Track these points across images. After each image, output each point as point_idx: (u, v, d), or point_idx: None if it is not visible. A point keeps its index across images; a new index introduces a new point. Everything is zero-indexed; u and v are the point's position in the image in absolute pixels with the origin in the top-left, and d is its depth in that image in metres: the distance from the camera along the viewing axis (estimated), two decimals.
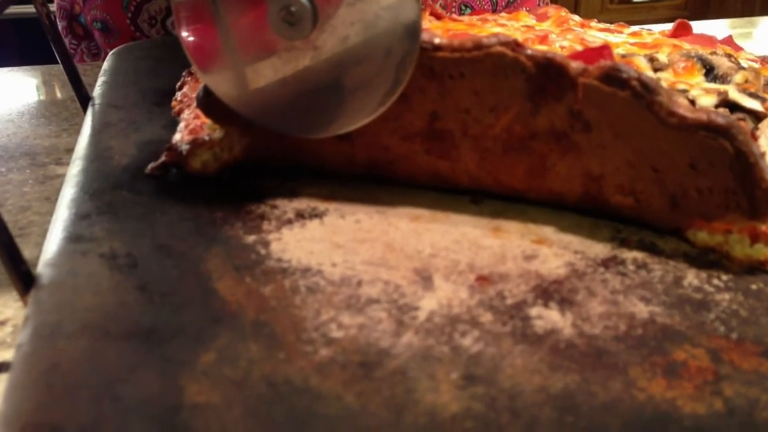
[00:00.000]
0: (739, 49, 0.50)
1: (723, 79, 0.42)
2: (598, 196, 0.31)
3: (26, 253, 0.30)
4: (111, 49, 0.73)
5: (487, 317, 0.25)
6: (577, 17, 0.54)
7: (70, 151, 0.51)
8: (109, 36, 0.74)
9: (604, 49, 0.33)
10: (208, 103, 0.33)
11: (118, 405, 0.20)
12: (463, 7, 0.80)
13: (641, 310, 0.26)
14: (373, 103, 0.30)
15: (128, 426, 0.19)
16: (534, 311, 0.25)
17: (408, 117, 0.31)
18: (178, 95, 0.44)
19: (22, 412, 0.20)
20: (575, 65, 0.28)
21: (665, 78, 0.42)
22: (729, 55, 0.44)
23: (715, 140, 0.26)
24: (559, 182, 0.31)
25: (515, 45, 0.29)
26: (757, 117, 0.36)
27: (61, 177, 0.47)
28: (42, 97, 0.64)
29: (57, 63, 0.49)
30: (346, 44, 0.30)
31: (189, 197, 0.33)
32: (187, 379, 0.21)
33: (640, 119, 0.27)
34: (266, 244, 0.29)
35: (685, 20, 0.53)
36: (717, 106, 0.37)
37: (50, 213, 0.42)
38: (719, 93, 0.38)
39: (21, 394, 0.20)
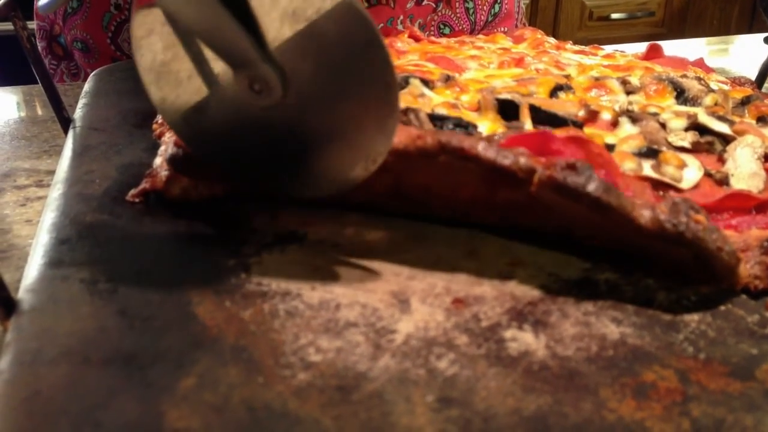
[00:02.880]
0: (710, 71, 0.52)
1: (693, 101, 0.43)
2: (569, 235, 0.31)
3: (7, 276, 0.30)
4: (91, 70, 0.74)
5: (462, 340, 0.25)
6: (552, 39, 0.55)
7: (50, 173, 0.51)
8: (89, 56, 0.75)
9: (545, 136, 0.32)
10: (184, 163, 0.33)
11: (98, 430, 0.20)
12: (441, 26, 0.81)
13: (612, 331, 0.26)
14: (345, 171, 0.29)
15: None
16: (508, 333, 0.26)
17: (371, 181, 0.30)
18: (159, 118, 0.44)
19: None
20: (525, 166, 0.28)
21: (637, 101, 0.43)
22: (699, 78, 0.45)
23: (676, 245, 0.27)
24: (531, 223, 0.32)
25: (462, 151, 0.28)
26: (725, 140, 0.37)
27: (42, 199, 0.47)
28: (22, 117, 0.64)
29: (36, 83, 0.49)
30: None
31: (169, 221, 0.33)
32: (167, 404, 0.21)
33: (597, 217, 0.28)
34: (247, 267, 0.30)
35: (657, 43, 0.54)
36: (687, 129, 0.38)
37: (31, 236, 0.42)
38: (689, 116, 0.39)
39: (1, 422, 0.21)
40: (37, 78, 0.48)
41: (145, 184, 0.35)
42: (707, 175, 0.34)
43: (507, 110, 0.39)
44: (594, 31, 2.31)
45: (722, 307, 0.28)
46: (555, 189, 0.27)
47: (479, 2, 0.84)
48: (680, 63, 0.52)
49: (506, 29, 0.87)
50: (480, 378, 0.23)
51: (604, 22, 2.34)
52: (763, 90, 0.58)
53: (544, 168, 0.28)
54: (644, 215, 0.27)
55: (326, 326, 0.26)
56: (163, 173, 0.35)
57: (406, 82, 0.41)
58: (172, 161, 0.33)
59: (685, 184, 0.33)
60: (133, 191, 0.35)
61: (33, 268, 0.29)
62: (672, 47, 0.85)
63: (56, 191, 0.36)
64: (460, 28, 0.82)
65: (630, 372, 0.24)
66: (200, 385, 0.22)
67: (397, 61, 0.49)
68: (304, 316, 0.26)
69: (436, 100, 0.40)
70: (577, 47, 0.55)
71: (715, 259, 0.27)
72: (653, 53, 0.53)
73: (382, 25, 0.74)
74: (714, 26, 2.38)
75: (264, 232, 0.32)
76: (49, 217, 0.33)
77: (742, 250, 0.30)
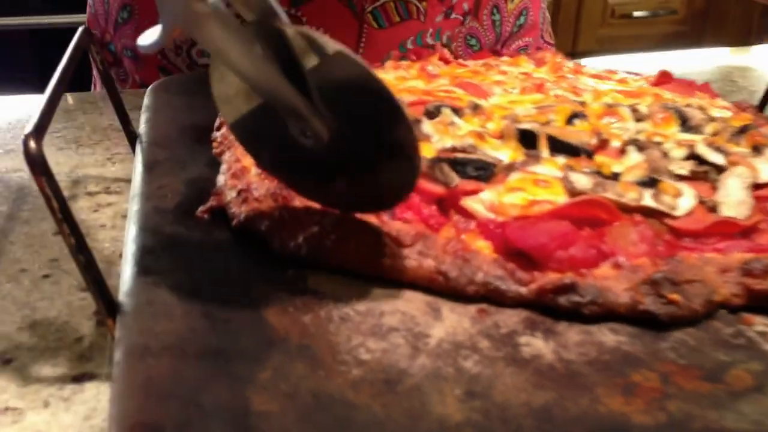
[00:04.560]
0: (714, 95, 0.57)
1: (696, 129, 0.48)
2: None
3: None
4: (139, 76, 0.80)
5: (484, 344, 0.31)
6: (570, 63, 0.60)
7: (117, 180, 0.58)
8: (138, 64, 0.81)
9: (560, 232, 0.36)
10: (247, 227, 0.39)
11: (201, 410, 0.26)
12: (468, 38, 0.86)
13: (610, 339, 0.32)
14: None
15: (211, 426, 0.25)
16: (523, 339, 0.31)
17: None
18: (218, 136, 0.50)
19: (129, 414, 0.26)
20: (513, 293, 0.33)
21: (645, 128, 0.48)
22: (702, 108, 0.50)
23: None
24: None
25: (446, 277, 0.34)
26: (720, 169, 0.42)
27: (113, 205, 0.53)
28: (82, 122, 0.70)
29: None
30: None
31: (235, 236, 0.39)
32: (251, 392, 0.27)
33: None
34: (304, 278, 0.35)
35: (667, 70, 0.59)
36: (686, 158, 0.43)
37: (106, 240, 0.48)
38: (689, 146, 0.44)
39: (126, 402, 0.26)
40: (110, 98, 0.54)
41: (212, 202, 0.41)
42: (700, 202, 0.39)
43: (527, 139, 0.44)
44: (616, 28, 2.35)
45: (704, 321, 0.33)
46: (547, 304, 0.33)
47: (505, 15, 0.89)
48: (687, 88, 0.57)
49: (531, 40, 0.93)
50: (498, 376, 0.29)
51: (626, 20, 2.37)
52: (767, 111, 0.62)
53: (537, 294, 0.33)
54: (624, 303, 0.32)
55: (373, 330, 0.31)
56: (230, 194, 0.40)
57: (438, 110, 0.46)
58: (237, 228, 0.38)
59: (679, 212, 0.38)
60: (201, 208, 0.41)
61: (126, 276, 0.35)
62: (694, 52, 0.89)
63: (135, 205, 0.42)
64: (486, 39, 0.87)
65: (621, 374, 0.29)
66: (275, 377, 0.28)
67: (428, 86, 0.54)
68: (354, 321, 0.32)
69: (465, 129, 0.45)
70: (593, 71, 0.60)
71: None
72: (663, 78, 0.58)
73: (412, 38, 0.79)
74: (736, 23, 2.40)
75: None
76: (132, 229, 0.39)
77: (724, 270, 0.35)
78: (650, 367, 0.30)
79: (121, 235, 0.48)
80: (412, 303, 0.34)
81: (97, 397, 0.34)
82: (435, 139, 0.43)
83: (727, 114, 0.52)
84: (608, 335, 0.32)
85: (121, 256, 0.46)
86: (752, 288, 0.34)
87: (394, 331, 0.31)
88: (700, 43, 2.26)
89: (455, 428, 0.26)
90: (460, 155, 0.41)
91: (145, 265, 0.36)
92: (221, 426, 0.25)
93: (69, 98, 0.76)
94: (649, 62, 0.96)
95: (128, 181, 0.54)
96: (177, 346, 0.30)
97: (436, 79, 0.55)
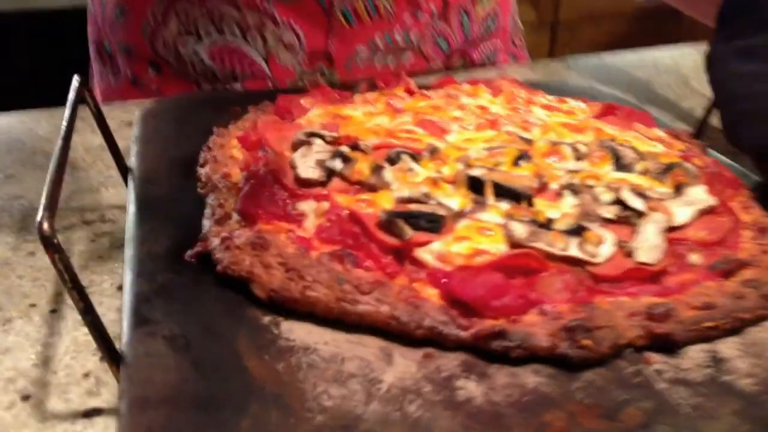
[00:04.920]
0: (652, 125, 0.63)
1: (628, 167, 0.54)
2: None
3: (98, 310, 0.42)
4: (131, 71, 0.85)
5: (427, 388, 0.37)
6: (524, 93, 0.66)
7: (111, 207, 0.63)
8: (130, 59, 0.87)
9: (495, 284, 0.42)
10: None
11: None
12: (438, 38, 0.91)
13: (531, 381, 0.38)
14: None
15: None
16: (459, 383, 0.38)
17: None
18: (202, 174, 0.56)
19: None
20: (453, 337, 0.40)
21: (583, 168, 0.54)
22: (633, 148, 0.56)
23: None
24: None
25: (398, 321, 0.40)
26: (640, 214, 0.48)
27: (108, 235, 0.59)
28: (74, 142, 0.75)
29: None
30: None
31: (219, 279, 0.45)
32: None
33: None
34: (277, 324, 0.42)
35: (612, 103, 0.65)
36: (613, 202, 0.50)
37: (104, 272, 0.54)
38: (618, 189, 0.50)
39: None
40: (103, 137, 0.59)
41: (198, 248, 0.47)
42: (620, 247, 0.46)
43: (476, 184, 0.50)
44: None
45: (612, 360, 0.40)
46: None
47: (474, 18, 0.94)
48: (627, 120, 0.63)
49: (500, 43, 0.98)
50: (436, 419, 0.35)
51: None
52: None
53: (474, 338, 0.39)
54: (544, 347, 0.39)
55: (335, 377, 0.38)
56: (215, 243, 0.46)
57: (398, 157, 0.52)
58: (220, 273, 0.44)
59: (599, 259, 0.44)
60: (190, 253, 0.47)
61: (126, 326, 0.41)
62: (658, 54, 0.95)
63: (129, 250, 0.48)
64: (455, 41, 0.92)
65: (536, 414, 0.36)
66: (255, 425, 0.34)
67: (393, 123, 0.60)
68: (320, 368, 0.38)
69: (422, 175, 0.51)
70: (545, 100, 0.66)
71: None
72: (607, 110, 0.64)
73: (381, 36, 0.84)
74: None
75: None
76: (128, 277, 0.45)
77: (632, 314, 0.41)
78: (560, 407, 0.37)
79: (117, 267, 0.54)
80: (368, 348, 0.40)
81: None
82: (394, 187, 0.49)
83: (659, 148, 0.58)
84: (531, 377, 0.39)
85: (119, 289, 0.52)
86: (653, 331, 0.41)
87: (353, 377, 0.38)
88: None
89: None
90: (414, 207, 0.47)
91: (141, 315, 0.42)
92: None
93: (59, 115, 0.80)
94: (618, 62, 1.01)
95: (121, 208, 0.60)
96: (172, 397, 0.36)
97: (401, 115, 0.60)
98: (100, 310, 0.48)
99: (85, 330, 0.47)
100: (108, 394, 0.43)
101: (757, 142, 0.58)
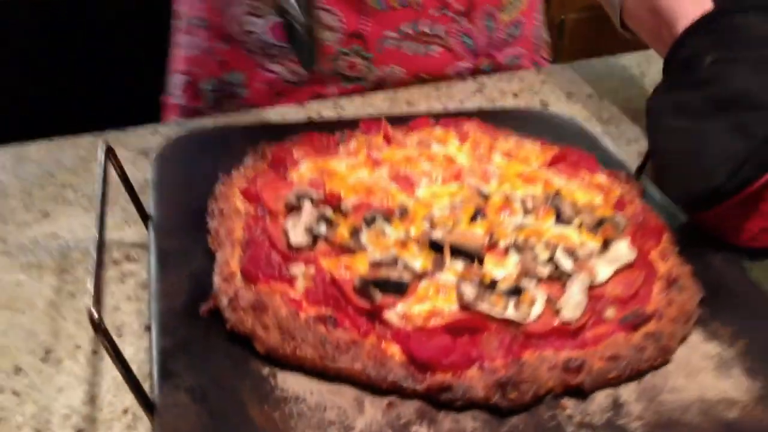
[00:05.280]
0: (596, 170, 0.73)
1: (567, 221, 0.65)
2: None
3: (127, 351, 0.54)
4: (209, 42, 0.99)
5: None
6: (487, 140, 0.76)
7: (135, 245, 0.74)
8: (208, 32, 1.02)
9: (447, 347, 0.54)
10: None
11: None
12: (464, 36, 1.02)
13: (470, 426, 0.50)
14: None
15: None
16: (414, 428, 0.49)
17: None
18: (211, 228, 0.66)
19: None
20: (411, 389, 0.51)
21: (529, 222, 0.64)
22: (573, 204, 0.66)
23: None
24: None
25: (368, 376, 0.51)
26: (569, 274, 0.59)
27: (134, 275, 0.70)
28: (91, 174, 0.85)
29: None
30: None
31: (228, 335, 0.56)
32: None
33: None
34: (274, 375, 0.53)
35: (563, 152, 0.74)
36: (549, 260, 0.60)
37: (134, 312, 0.65)
38: (553, 249, 0.61)
39: None
40: (127, 193, 0.70)
41: (210, 305, 0.58)
42: (549, 303, 0.57)
43: (436, 246, 0.61)
44: None
45: (535, 406, 0.51)
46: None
47: (499, 24, 1.05)
48: (575, 168, 0.73)
49: (524, 51, 1.09)
50: None
51: None
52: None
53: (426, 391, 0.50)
54: (481, 398, 0.50)
55: (318, 424, 0.49)
56: (224, 301, 0.57)
57: (373, 219, 0.63)
58: (229, 330, 0.56)
59: (531, 319, 0.55)
60: (203, 307, 0.58)
61: (155, 377, 0.53)
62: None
63: (154, 304, 0.59)
64: (481, 42, 1.03)
65: None
66: None
67: (372, 176, 0.70)
68: (307, 416, 0.50)
69: (393, 237, 0.62)
70: (506, 146, 0.76)
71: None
72: (557, 159, 0.74)
73: (408, 24, 0.98)
74: None
75: None
76: (155, 331, 0.57)
77: (552, 367, 0.53)
78: None
79: (143, 308, 0.66)
80: (344, 398, 0.52)
81: None
82: (369, 250, 0.60)
83: (598, 200, 0.69)
84: (470, 422, 0.50)
85: (147, 329, 0.63)
86: (568, 383, 0.52)
87: (332, 424, 0.49)
88: None
89: None
90: (384, 272, 0.58)
91: (167, 369, 0.53)
92: None
93: (82, 143, 0.91)
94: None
95: (143, 247, 0.71)
96: None
97: (379, 167, 0.71)
98: (131, 350, 0.60)
99: None
100: (143, 428, 0.54)
101: (679, 196, 0.68)
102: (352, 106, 1.00)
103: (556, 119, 0.89)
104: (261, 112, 0.97)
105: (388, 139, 0.76)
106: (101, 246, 0.55)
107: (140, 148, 0.90)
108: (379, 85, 1.01)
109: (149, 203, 0.72)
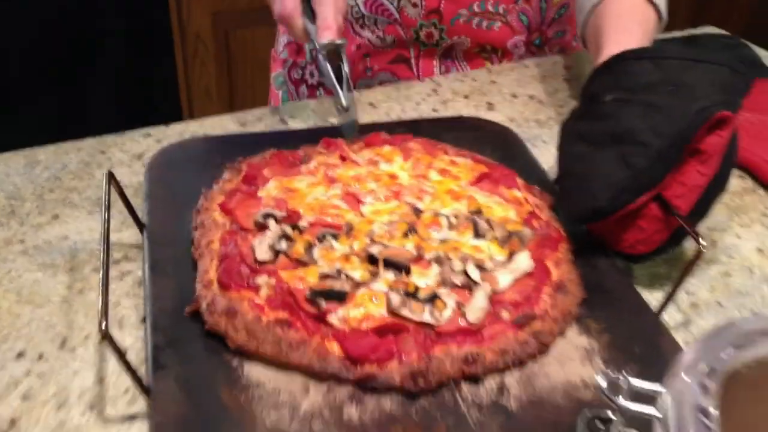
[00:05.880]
0: (513, 186, 0.88)
1: (483, 236, 0.80)
2: None
3: (126, 341, 0.70)
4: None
5: (326, 412, 0.65)
6: (427, 158, 0.90)
7: (132, 246, 0.89)
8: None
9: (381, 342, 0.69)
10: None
11: None
12: (521, 15, 1.25)
13: (388, 405, 0.66)
14: None
15: None
16: (346, 408, 0.66)
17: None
18: (194, 239, 0.82)
19: None
20: (345, 379, 0.66)
21: (451, 237, 0.80)
22: (488, 221, 0.81)
23: None
24: None
25: (313, 368, 0.67)
26: (476, 283, 0.75)
27: (131, 274, 0.85)
28: (93, 180, 1.00)
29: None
30: None
31: (206, 333, 0.72)
32: None
33: None
34: (242, 366, 0.69)
35: (488, 169, 0.89)
36: (462, 272, 0.76)
37: (132, 308, 0.81)
38: (466, 262, 0.76)
39: None
40: (127, 210, 0.85)
41: (192, 307, 0.74)
42: (459, 307, 0.72)
43: (372, 259, 0.76)
44: None
45: (439, 390, 0.67)
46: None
47: (550, 4, 1.25)
48: (495, 185, 0.88)
49: (569, 28, 1.28)
50: None
51: None
52: None
53: (357, 379, 0.66)
54: (397, 385, 0.66)
55: (274, 405, 0.66)
56: (204, 304, 0.73)
57: (324, 237, 0.78)
58: (208, 330, 0.71)
59: (442, 321, 0.71)
60: (187, 310, 0.74)
61: (150, 368, 0.69)
62: None
63: (149, 306, 0.75)
64: (534, 19, 1.25)
65: (386, 427, 0.64)
66: None
67: (327, 193, 0.85)
68: (265, 398, 0.66)
69: (340, 251, 0.77)
70: (443, 163, 0.91)
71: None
72: (481, 177, 0.89)
73: (478, 2, 1.22)
74: None
75: None
76: (149, 328, 0.72)
77: (455, 360, 0.69)
78: (401, 423, 0.65)
79: (139, 303, 0.81)
80: (295, 383, 0.68)
81: (141, 430, 0.68)
82: (320, 264, 0.75)
83: (512, 214, 0.84)
84: (388, 403, 0.66)
85: (142, 321, 0.79)
86: (465, 372, 0.68)
87: (284, 405, 0.66)
88: None
89: None
90: (329, 283, 0.73)
91: (158, 361, 0.69)
92: None
93: (85, 148, 1.05)
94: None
95: (139, 247, 0.86)
96: (181, 421, 0.64)
97: (333, 186, 0.86)
98: (129, 340, 0.76)
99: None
100: (141, 405, 0.71)
101: (569, 211, 0.83)
102: (323, 107, 1.14)
103: (492, 128, 1.04)
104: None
105: (343, 158, 0.91)
106: (107, 266, 0.70)
107: (135, 153, 1.04)
108: (449, 49, 1.27)
109: (143, 210, 0.87)
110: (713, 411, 0.38)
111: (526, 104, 1.18)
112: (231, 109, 2.75)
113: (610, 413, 0.42)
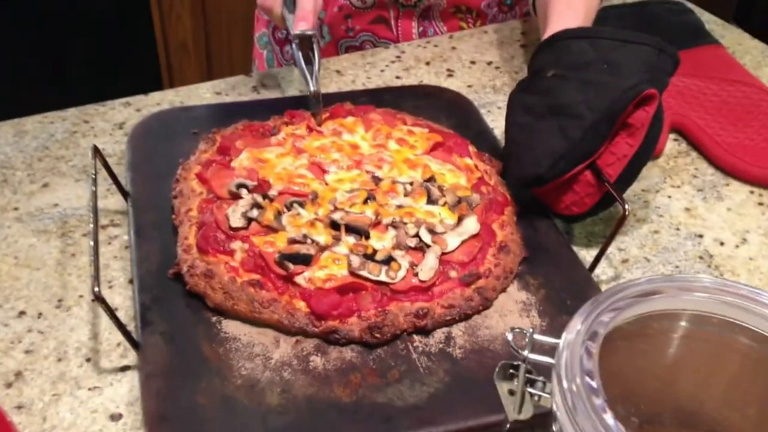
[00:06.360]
0: (466, 154, 0.96)
1: (435, 201, 0.89)
2: None
3: (116, 300, 0.79)
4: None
5: (294, 362, 0.75)
6: (386, 129, 0.99)
7: (117, 212, 0.97)
8: None
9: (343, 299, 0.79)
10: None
11: (177, 404, 0.71)
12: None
13: (348, 355, 0.76)
14: None
15: (183, 399, 0.70)
16: (311, 358, 0.75)
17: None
18: (174, 207, 0.90)
19: (149, 399, 0.70)
20: (311, 332, 0.76)
21: (407, 202, 0.89)
22: (440, 188, 0.90)
23: None
24: None
25: (283, 324, 0.76)
26: (428, 246, 0.84)
27: (118, 238, 0.94)
28: (85, 148, 1.07)
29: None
30: None
31: (188, 293, 0.81)
32: (198, 395, 0.72)
33: None
34: (220, 322, 0.78)
35: (443, 138, 0.98)
36: (415, 235, 0.85)
37: (120, 268, 0.90)
38: (419, 226, 0.85)
39: (146, 396, 0.71)
40: (112, 180, 0.93)
41: (174, 269, 0.83)
42: (412, 268, 0.82)
43: (335, 225, 0.85)
44: None
45: (393, 341, 0.77)
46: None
47: None
48: (449, 153, 0.96)
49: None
50: (297, 380, 0.73)
51: None
52: None
53: (321, 333, 0.76)
54: (356, 338, 0.75)
55: (248, 356, 0.75)
56: (185, 267, 0.82)
57: (291, 205, 0.87)
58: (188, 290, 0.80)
59: (397, 280, 0.80)
60: (169, 272, 0.83)
61: (138, 324, 0.78)
62: None
63: (135, 269, 0.84)
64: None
65: (346, 374, 0.74)
66: (207, 386, 0.72)
67: (295, 164, 0.93)
68: (241, 351, 0.76)
69: (305, 218, 0.86)
70: (400, 133, 0.99)
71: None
72: (435, 146, 0.97)
73: None
74: None
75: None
76: (136, 289, 0.81)
77: (407, 314, 0.78)
78: (359, 370, 0.74)
79: (126, 265, 0.90)
80: (267, 337, 0.77)
81: (132, 381, 0.78)
82: (288, 230, 0.84)
83: (463, 179, 0.93)
84: (349, 353, 0.76)
85: (130, 282, 0.88)
86: (417, 325, 0.78)
87: (257, 356, 0.75)
88: None
89: (275, 408, 0.71)
90: (296, 248, 0.82)
91: (146, 318, 0.78)
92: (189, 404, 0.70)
93: (69, 117, 1.12)
94: None
95: (124, 213, 0.95)
96: (168, 372, 0.73)
97: (300, 156, 0.94)
98: (119, 299, 0.85)
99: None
100: (132, 357, 0.80)
101: (513, 177, 0.92)
102: (293, 76, 1.22)
103: (449, 96, 1.12)
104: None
105: (309, 128, 0.99)
106: (96, 234, 0.79)
107: (116, 122, 1.12)
108: (427, 10, 1.32)
109: (126, 179, 0.96)
110: (594, 355, 0.48)
111: (484, 70, 1.26)
112: (208, 63, 2.77)
113: (519, 362, 0.52)
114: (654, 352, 0.54)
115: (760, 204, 0.98)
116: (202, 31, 2.69)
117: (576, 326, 0.51)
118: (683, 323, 0.53)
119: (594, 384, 0.47)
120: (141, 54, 2.63)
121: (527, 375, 0.52)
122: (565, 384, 0.48)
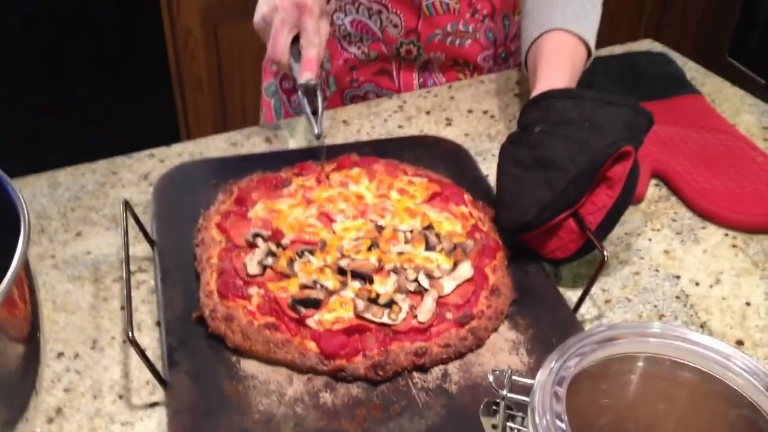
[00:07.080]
0: (461, 203, 1.05)
1: (433, 248, 0.98)
2: None
3: (145, 341, 0.88)
4: None
5: (305, 398, 0.84)
6: (388, 180, 1.08)
7: (144, 259, 1.06)
8: None
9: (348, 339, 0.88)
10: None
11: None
12: (488, 33, 1.41)
13: (355, 391, 0.84)
14: None
15: None
16: (321, 394, 0.84)
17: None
18: (196, 254, 0.99)
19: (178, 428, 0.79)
20: (320, 371, 0.85)
21: (407, 249, 0.98)
22: (437, 235, 0.99)
23: None
24: None
25: (296, 363, 0.85)
26: (426, 290, 0.92)
27: (145, 283, 1.03)
28: (114, 198, 1.17)
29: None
30: None
31: (210, 335, 0.90)
32: (221, 428, 0.80)
33: None
34: (239, 362, 0.87)
35: (440, 187, 1.07)
36: (414, 280, 0.94)
37: (147, 313, 0.99)
38: (418, 272, 0.94)
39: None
40: (142, 234, 1.02)
41: (197, 314, 0.92)
42: (411, 309, 0.91)
43: (342, 271, 0.94)
44: None
45: (395, 378, 0.86)
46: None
47: (512, 21, 1.42)
48: (446, 202, 1.05)
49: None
50: (308, 415, 0.82)
51: None
52: None
53: (330, 371, 0.84)
54: (362, 375, 0.84)
55: (265, 393, 0.84)
56: (207, 313, 0.91)
57: (302, 253, 0.96)
58: (210, 333, 0.90)
59: (398, 322, 0.89)
60: (193, 316, 0.92)
61: (166, 364, 0.87)
62: None
63: (162, 313, 0.93)
64: (499, 36, 1.43)
65: (353, 409, 0.82)
66: (227, 422, 0.81)
67: (305, 213, 1.03)
68: (259, 389, 0.84)
69: (315, 265, 0.95)
70: (401, 183, 1.08)
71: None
72: (433, 196, 1.06)
73: (450, 24, 1.38)
74: None
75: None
76: (163, 331, 0.90)
77: (407, 353, 0.87)
78: (365, 405, 0.83)
79: (152, 307, 0.99)
80: (281, 375, 0.86)
81: (161, 416, 0.86)
82: (300, 276, 0.93)
83: (458, 227, 1.02)
84: (355, 389, 0.85)
85: (157, 324, 0.97)
86: (416, 363, 0.86)
87: (273, 392, 0.84)
88: None
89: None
90: (307, 292, 0.91)
91: (172, 359, 0.87)
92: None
93: (99, 169, 1.22)
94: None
95: (150, 260, 1.04)
96: (193, 408, 0.82)
97: (310, 206, 1.03)
98: (147, 340, 0.94)
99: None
100: (160, 394, 0.89)
101: (502, 224, 1.01)
102: (301, 127, 1.31)
103: (447, 146, 1.22)
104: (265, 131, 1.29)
105: (319, 180, 1.08)
106: (128, 283, 0.88)
107: (141, 173, 1.21)
108: (426, 63, 1.42)
109: (152, 228, 1.05)
110: (562, 398, 0.57)
111: (480, 119, 1.35)
112: (221, 100, 2.88)
113: (500, 400, 0.61)
114: (614, 391, 0.63)
115: (734, 246, 1.07)
116: (215, 68, 2.80)
117: (547, 369, 0.59)
118: (640, 364, 0.62)
119: (563, 426, 0.55)
120: (156, 91, 2.74)
121: (507, 411, 0.61)
122: (537, 420, 0.56)
